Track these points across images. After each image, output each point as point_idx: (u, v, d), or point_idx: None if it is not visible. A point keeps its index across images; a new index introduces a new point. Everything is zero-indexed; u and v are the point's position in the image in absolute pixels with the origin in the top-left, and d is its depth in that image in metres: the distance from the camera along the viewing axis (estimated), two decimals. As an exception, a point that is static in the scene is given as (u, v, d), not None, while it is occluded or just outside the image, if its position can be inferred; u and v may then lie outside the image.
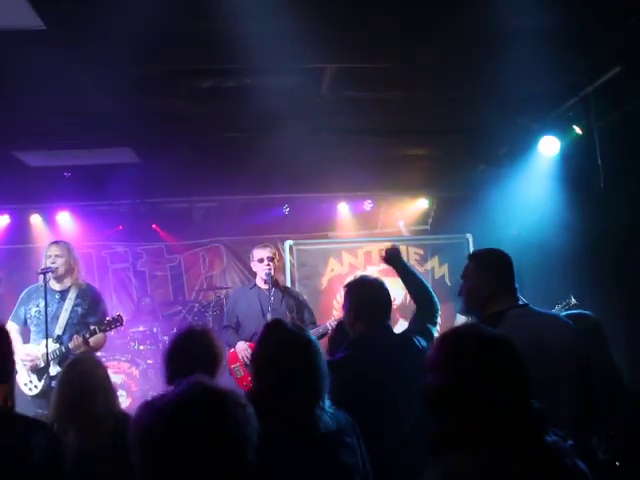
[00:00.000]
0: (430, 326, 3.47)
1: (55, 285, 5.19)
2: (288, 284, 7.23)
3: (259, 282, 5.46)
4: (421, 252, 7.64)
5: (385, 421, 2.88)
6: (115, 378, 6.41)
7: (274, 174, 7.59)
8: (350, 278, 7.46)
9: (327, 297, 7.45)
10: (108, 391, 3.38)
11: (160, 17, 3.99)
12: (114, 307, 7.71)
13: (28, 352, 4.99)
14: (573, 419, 2.76)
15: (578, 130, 6.02)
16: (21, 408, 2.78)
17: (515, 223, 7.17)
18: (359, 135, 6.74)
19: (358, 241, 8.06)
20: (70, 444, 3.06)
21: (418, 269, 7.60)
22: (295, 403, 2.32)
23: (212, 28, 4.23)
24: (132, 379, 7.05)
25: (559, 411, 2.68)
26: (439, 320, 3.60)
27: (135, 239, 9.16)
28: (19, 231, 8.58)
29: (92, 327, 4.97)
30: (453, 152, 7.34)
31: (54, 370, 4.88)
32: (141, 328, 7.78)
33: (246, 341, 5.28)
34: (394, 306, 7.52)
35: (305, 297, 6.64)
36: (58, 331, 4.99)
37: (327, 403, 2.39)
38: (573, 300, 5.54)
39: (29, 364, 4.94)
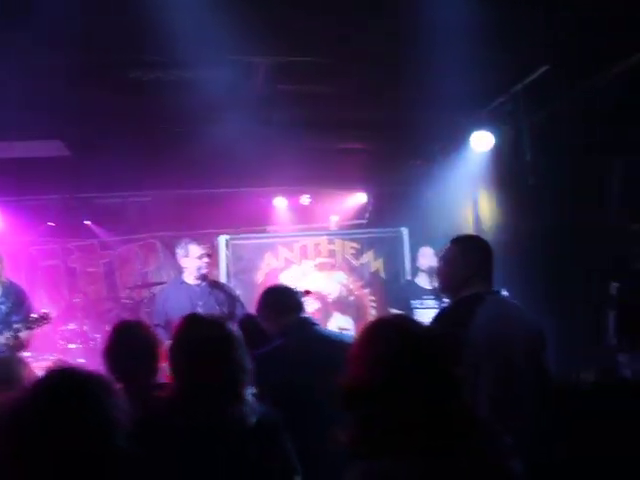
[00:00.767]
0: None
1: (-23, 283, 5.01)
2: (223, 279, 7.18)
3: (188, 278, 5.38)
4: (357, 246, 7.70)
5: (309, 416, 2.88)
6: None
7: (210, 168, 7.52)
8: (285, 272, 7.60)
9: (264, 292, 7.43)
10: None
11: (88, 5, 3.90)
12: (44, 305, 7.49)
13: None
14: (537, 402, 2.86)
15: (508, 126, 6.16)
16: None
17: (448, 218, 7.27)
18: (295, 129, 6.72)
19: (294, 235, 8.07)
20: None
21: (354, 263, 7.73)
22: (210, 397, 2.29)
23: (143, 18, 4.14)
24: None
25: (529, 394, 2.80)
26: None
27: (66, 235, 8.94)
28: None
29: (15, 326, 4.82)
30: (389, 147, 7.40)
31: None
32: (71, 326, 7.56)
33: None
34: (329, 300, 7.67)
35: (241, 292, 6.60)
36: (-20, 329, 4.82)
37: (249, 397, 2.36)
38: (504, 292, 5.65)
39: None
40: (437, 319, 3.04)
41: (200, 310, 4.79)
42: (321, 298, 7.62)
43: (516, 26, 4.74)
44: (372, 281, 7.64)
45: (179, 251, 5.50)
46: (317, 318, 7.52)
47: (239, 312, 5.24)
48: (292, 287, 3.64)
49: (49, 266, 9.07)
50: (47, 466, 1.48)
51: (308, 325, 3.37)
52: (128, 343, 2.97)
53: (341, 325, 7.36)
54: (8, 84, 4.99)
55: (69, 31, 4.17)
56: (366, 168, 8.12)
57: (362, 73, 5.52)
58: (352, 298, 7.64)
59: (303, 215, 9.02)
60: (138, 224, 9.05)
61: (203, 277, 5.16)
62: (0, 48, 4.45)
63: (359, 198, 8.90)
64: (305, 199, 8.70)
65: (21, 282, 5.64)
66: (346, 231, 8.40)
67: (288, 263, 7.65)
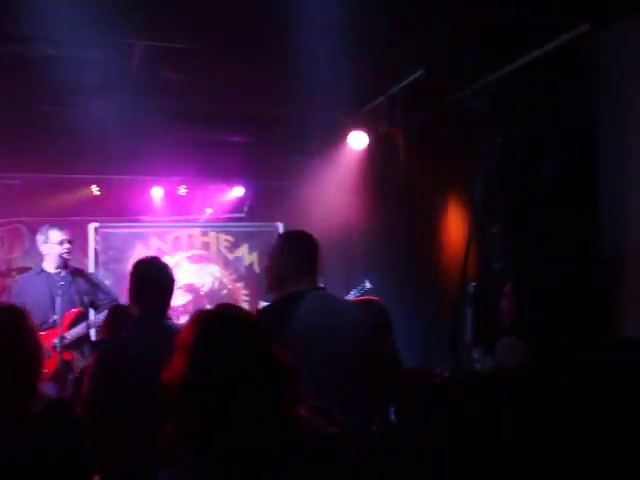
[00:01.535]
0: None
1: None
2: (92, 268, 6.95)
3: (47, 266, 5.16)
4: (231, 239, 7.66)
5: (146, 412, 2.83)
6: None
7: (83, 153, 7.23)
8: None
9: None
10: None
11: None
12: None
13: None
14: (361, 399, 2.88)
15: (385, 127, 6.30)
16: None
17: (324, 214, 7.35)
18: (173, 118, 6.59)
19: (167, 226, 7.91)
20: None
21: (228, 256, 7.67)
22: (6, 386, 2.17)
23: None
24: None
25: (348, 392, 2.77)
26: None
27: None
28: None
29: None
30: (269, 142, 7.40)
31: None
32: None
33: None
34: (201, 292, 7.58)
35: (111, 282, 6.41)
36: None
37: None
38: (368, 284, 5.78)
39: None
40: (258, 317, 3.00)
41: (59, 300, 4.60)
42: (193, 290, 7.53)
43: (392, 30, 4.85)
44: (246, 275, 7.62)
45: (39, 237, 5.27)
46: (189, 310, 7.50)
47: (103, 301, 5.08)
48: (162, 264, 3.30)
49: None
50: None
51: (158, 318, 3.17)
52: None
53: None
54: None
55: None
56: (246, 162, 8.07)
57: (242, 66, 5.49)
58: (225, 291, 7.59)
59: (180, 206, 8.84)
60: (3, 208, 8.57)
61: (64, 265, 4.94)
62: None
63: (238, 191, 8.83)
64: (182, 190, 8.53)
65: None
66: (220, 224, 8.32)
67: (160, 254, 7.48)
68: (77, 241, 7.50)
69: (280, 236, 3.11)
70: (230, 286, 7.60)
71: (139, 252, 7.41)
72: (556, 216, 4.63)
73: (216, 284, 7.56)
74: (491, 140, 4.72)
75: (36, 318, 5.00)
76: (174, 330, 3.16)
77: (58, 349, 4.62)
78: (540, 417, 2.69)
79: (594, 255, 4.51)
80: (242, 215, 9.08)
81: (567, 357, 2.85)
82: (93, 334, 5.70)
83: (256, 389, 1.51)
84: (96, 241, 7.29)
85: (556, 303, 3.57)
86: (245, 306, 7.41)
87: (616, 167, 4.45)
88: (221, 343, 1.55)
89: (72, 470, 2.20)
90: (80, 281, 5.17)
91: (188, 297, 7.49)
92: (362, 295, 5.33)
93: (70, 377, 4.47)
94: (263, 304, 5.86)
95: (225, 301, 7.49)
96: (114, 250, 7.33)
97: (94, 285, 5.22)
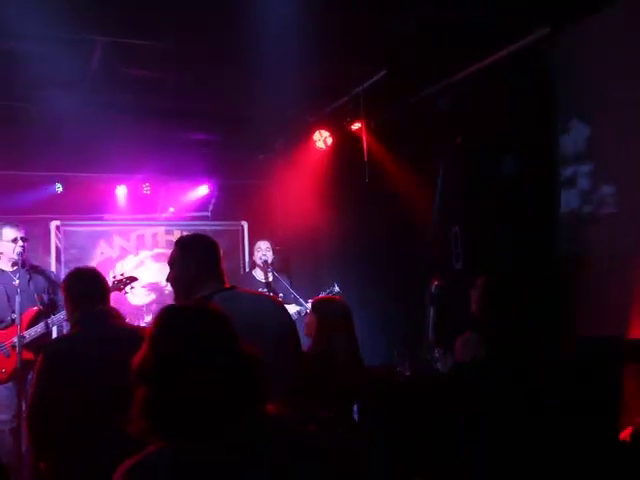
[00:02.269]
0: None
1: None
2: (53, 266, 6.86)
3: (3, 265, 5.07)
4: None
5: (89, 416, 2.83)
6: None
7: (45, 150, 7.12)
8: (121, 262, 7.37)
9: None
10: None
11: None
12: None
13: None
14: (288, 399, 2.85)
15: (349, 126, 6.34)
16: None
17: (288, 212, 7.36)
18: (135, 115, 6.52)
19: (130, 224, 7.82)
20: None
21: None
22: None
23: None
24: None
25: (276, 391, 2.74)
26: None
27: None
28: None
29: None
30: (234, 140, 7.37)
31: None
32: None
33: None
34: (165, 292, 7.52)
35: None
36: None
37: None
38: (336, 288, 5.81)
39: None
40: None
41: (17, 298, 4.52)
42: (158, 289, 7.47)
43: (356, 30, 4.87)
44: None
45: None
46: (153, 310, 7.44)
47: (61, 298, 5.01)
48: (98, 273, 3.33)
49: None
50: None
51: (103, 319, 3.12)
52: None
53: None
54: None
55: None
56: (210, 160, 8.02)
57: (205, 64, 5.46)
58: (189, 290, 7.52)
59: (144, 205, 8.74)
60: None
61: (22, 263, 4.85)
62: None
63: (203, 190, 8.77)
64: (146, 188, 8.43)
65: None
66: (185, 222, 8.26)
67: (124, 252, 7.42)
68: (40, 239, 7.41)
69: (176, 244, 3.05)
70: (194, 285, 7.55)
71: (102, 250, 7.33)
72: (517, 215, 4.70)
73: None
74: (452, 140, 4.78)
75: (-7, 317, 4.96)
76: (126, 330, 3.14)
77: (17, 348, 4.55)
78: (490, 408, 2.73)
79: (553, 253, 4.59)
80: (207, 214, 9.02)
81: (520, 351, 2.90)
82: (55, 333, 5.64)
83: (226, 382, 1.52)
84: (58, 239, 7.19)
85: (515, 302, 3.61)
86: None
87: (576, 166, 4.53)
88: (188, 333, 1.58)
89: None
90: (39, 279, 5.09)
91: (152, 296, 7.43)
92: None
93: (30, 377, 4.40)
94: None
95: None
96: (77, 249, 7.24)
97: (54, 283, 5.14)
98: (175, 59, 5.32)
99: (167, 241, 7.56)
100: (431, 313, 4.82)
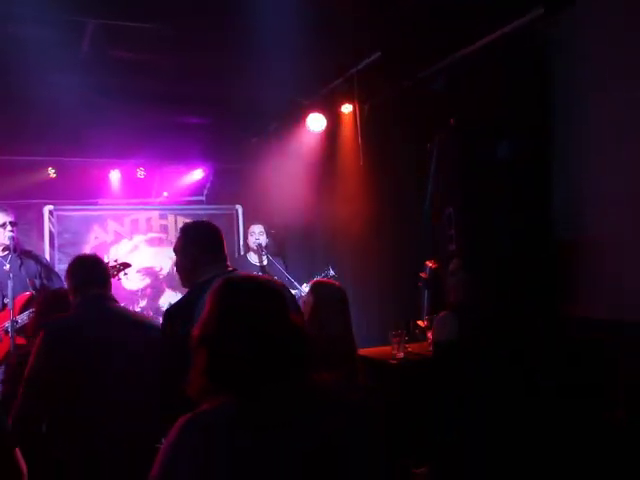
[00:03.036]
0: None
1: None
2: (47, 251, 6.84)
3: None
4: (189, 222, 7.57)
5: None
6: None
7: (38, 135, 7.08)
8: (115, 246, 7.35)
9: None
10: None
11: None
12: None
13: None
14: None
15: (344, 109, 6.30)
16: None
17: (283, 196, 7.32)
18: (129, 99, 6.47)
19: (125, 209, 7.80)
20: None
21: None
22: None
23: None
24: None
25: None
26: None
27: None
28: None
29: None
30: (227, 124, 7.33)
31: None
32: None
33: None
34: (160, 276, 7.51)
35: (66, 265, 6.30)
36: None
37: None
38: (331, 272, 5.81)
39: None
40: (169, 309, 3.00)
41: (10, 283, 4.51)
42: (152, 274, 7.45)
43: (351, 12, 4.82)
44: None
45: None
46: (148, 294, 7.43)
47: (56, 284, 4.99)
48: (99, 259, 3.42)
49: None
50: None
51: (102, 303, 3.18)
52: None
53: (172, 301, 7.24)
54: None
55: None
56: (204, 144, 7.99)
57: (201, 48, 5.41)
58: (184, 274, 7.51)
59: (138, 189, 8.72)
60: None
61: (13, 248, 4.81)
62: None
63: (197, 174, 8.75)
64: (140, 173, 8.40)
65: None
66: (179, 206, 8.24)
67: (118, 237, 7.40)
68: (33, 224, 7.38)
69: (181, 230, 3.10)
70: (189, 269, 7.53)
71: (96, 235, 7.31)
72: (513, 197, 4.67)
73: (174, 268, 7.49)
74: (447, 122, 4.74)
75: (-16, 302, 4.93)
76: (127, 312, 3.18)
77: (10, 333, 4.54)
78: (484, 389, 2.73)
79: (550, 237, 4.57)
80: (202, 198, 9.01)
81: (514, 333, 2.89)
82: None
83: (278, 346, 1.66)
84: (52, 224, 7.16)
85: (510, 284, 3.60)
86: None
87: (572, 149, 4.50)
88: (246, 301, 1.72)
89: None
90: (30, 264, 5.05)
91: (147, 280, 7.42)
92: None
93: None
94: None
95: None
96: (70, 233, 7.22)
97: (46, 268, 5.11)
98: (169, 43, 5.26)
99: (161, 225, 7.55)
100: (425, 295, 4.80)
